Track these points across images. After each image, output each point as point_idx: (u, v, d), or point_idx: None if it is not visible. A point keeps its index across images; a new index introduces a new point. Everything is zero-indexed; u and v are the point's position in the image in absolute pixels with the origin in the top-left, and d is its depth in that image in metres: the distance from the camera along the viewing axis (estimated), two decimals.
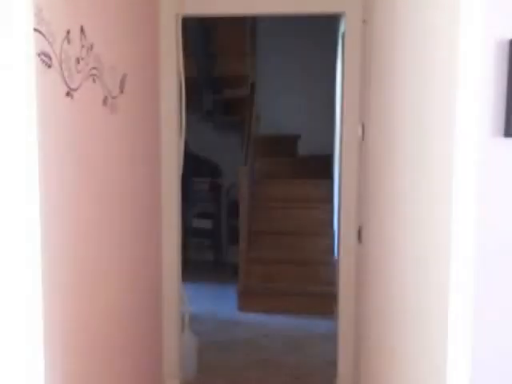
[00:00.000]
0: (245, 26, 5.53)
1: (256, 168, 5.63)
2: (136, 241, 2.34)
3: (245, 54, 5.64)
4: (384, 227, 1.83)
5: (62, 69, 1.47)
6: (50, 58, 1.40)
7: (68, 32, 1.51)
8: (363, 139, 2.58)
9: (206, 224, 5.90)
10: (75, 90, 1.58)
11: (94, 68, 1.73)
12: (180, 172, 2.99)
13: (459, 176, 0.97)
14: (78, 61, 1.59)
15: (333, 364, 3.23)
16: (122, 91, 2.06)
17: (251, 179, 5.18)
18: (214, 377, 3.30)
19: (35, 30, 1.28)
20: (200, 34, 5.06)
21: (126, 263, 2.16)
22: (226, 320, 4.31)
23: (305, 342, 3.88)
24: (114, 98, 1.96)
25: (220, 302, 4.70)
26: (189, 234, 5.69)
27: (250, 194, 5.10)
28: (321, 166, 5.68)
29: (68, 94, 1.53)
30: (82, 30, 1.62)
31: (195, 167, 5.75)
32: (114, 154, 1.99)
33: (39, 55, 1.33)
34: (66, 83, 1.51)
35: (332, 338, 3.54)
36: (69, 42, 1.52)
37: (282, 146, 6.06)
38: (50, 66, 1.40)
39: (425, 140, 1.23)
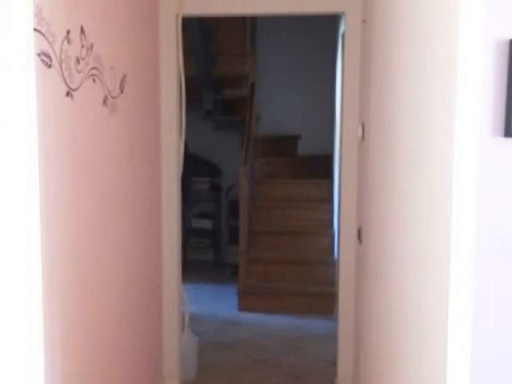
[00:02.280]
0: (245, 26, 5.53)
1: (256, 168, 5.63)
2: (136, 241, 2.34)
3: (245, 54, 5.64)
4: (384, 227, 1.83)
5: (62, 69, 1.47)
6: (50, 58, 1.40)
7: (68, 32, 1.51)
8: (363, 139, 2.58)
9: (205, 224, 5.90)
10: (75, 90, 1.58)
11: (93, 68, 1.73)
12: (180, 172, 2.99)
13: (459, 176, 0.97)
14: (77, 61, 1.59)
15: (333, 364, 3.23)
16: (122, 91, 2.06)
17: (251, 179, 5.18)
18: (214, 377, 3.30)
19: (35, 30, 1.28)
20: (200, 34, 5.06)
21: (125, 263, 2.15)
22: (226, 320, 4.31)
23: (305, 341, 3.88)
24: (114, 98, 1.96)
25: (220, 302, 4.69)
26: (189, 234, 5.70)
27: (250, 194, 5.10)
28: (321, 166, 5.68)
29: (68, 93, 1.53)
30: (82, 30, 1.62)
31: (195, 167, 5.75)
32: (114, 153, 1.99)
33: (39, 55, 1.33)
34: (66, 83, 1.51)
35: (332, 338, 3.54)
36: (69, 42, 1.52)
37: (282, 146, 6.06)
38: (50, 66, 1.40)
39: (425, 140, 1.23)
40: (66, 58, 1.49)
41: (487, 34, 0.95)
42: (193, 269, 5.33)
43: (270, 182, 5.51)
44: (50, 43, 1.39)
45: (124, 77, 2.10)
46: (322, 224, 5.10)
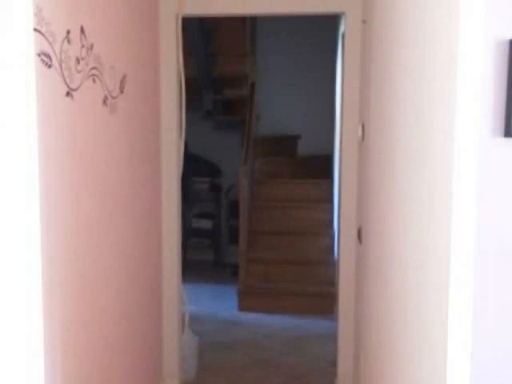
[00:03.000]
0: (245, 26, 5.53)
1: (256, 168, 5.62)
2: (136, 241, 2.34)
3: (245, 54, 5.64)
4: (384, 227, 1.83)
5: (62, 69, 1.47)
6: (50, 58, 1.40)
7: (68, 32, 1.51)
8: (363, 139, 2.58)
9: (205, 224, 5.90)
10: (75, 90, 1.58)
11: (94, 68, 1.73)
12: (180, 172, 2.99)
13: (459, 176, 0.97)
14: (77, 61, 1.59)
15: (333, 364, 3.23)
16: (122, 91, 2.06)
17: (251, 179, 5.18)
18: (214, 377, 3.30)
19: (35, 30, 1.28)
20: (200, 34, 5.06)
21: (126, 263, 2.16)
22: (226, 320, 4.31)
23: (305, 341, 3.88)
24: (114, 98, 1.96)
25: (220, 302, 4.70)
26: (189, 234, 5.69)
27: (250, 194, 5.10)
28: (321, 166, 5.68)
29: (68, 93, 1.53)
30: (82, 30, 1.62)
31: (195, 167, 5.75)
32: (114, 153, 1.99)
33: (39, 55, 1.33)
34: (66, 83, 1.51)
35: (332, 338, 3.54)
36: (69, 41, 1.52)
37: (282, 146, 6.06)
38: (50, 66, 1.40)
39: (425, 140, 1.24)
40: (66, 58, 1.49)
41: (487, 34, 0.95)
42: (193, 269, 5.33)
43: (269, 182, 5.51)
44: (49, 43, 1.39)
45: (124, 77, 2.10)
46: (322, 224, 5.10)
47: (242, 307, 4.51)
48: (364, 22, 2.67)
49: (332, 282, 4.45)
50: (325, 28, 5.49)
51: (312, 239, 4.94)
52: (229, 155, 5.96)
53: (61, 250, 1.49)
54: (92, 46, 1.71)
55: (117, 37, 2.02)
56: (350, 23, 2.82)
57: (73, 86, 1.56)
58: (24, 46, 1.16)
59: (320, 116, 5.89)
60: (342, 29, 3.52)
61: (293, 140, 6.08)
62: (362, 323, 2.53)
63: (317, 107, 5.96)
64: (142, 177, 2.45)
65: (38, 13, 1.31)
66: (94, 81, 1.74)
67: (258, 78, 5.85)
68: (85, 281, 1.68)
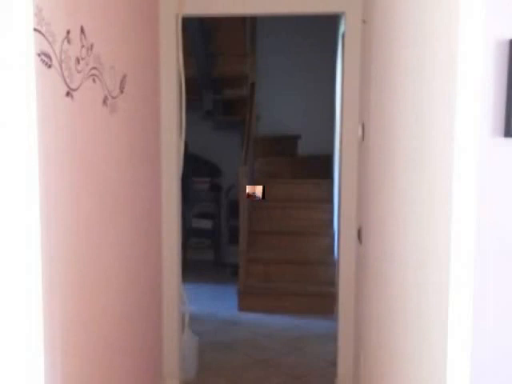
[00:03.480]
0: (245, 26, 5.53)
1: (256, 168, 5.62)
2: (136, 241, 2.34)
3: (245, 54, 5.64)
4: (384, 227, 1.83)
5: (62, 69, 1.47)
6: (50, 58, 1.40)
7: (68, 32, 1.51)
8: (363, 139, 2.58)
9: (205, 224, 5.90)
10: (75, 90, 1.58)
11: (94, 68, 1.73)
12: (180, 172, 3.00)
13: (459, 176, 0.97)
14: (78, 61, 1.59)
15: (333, 364, 3.23)
16: (122, 91, 2.06)
17: (251, 179, 5.18)
18: (214, 377, 3.30)
19: (35, 30, 1.28)
20: (200, 34, 5.06)
21: (126, 263, 2.16)
22: (226, 320, 4.31)
23: (305, 341, 3.88)
24: (114, 98, 1.96)
25: (220, 302, 4.70)
26: (189, 234, 5.69)
27: None
28: (321, 166, 5.68)
29: (68, 93, 1.53)
30: (82, 30, 1.62)
31: (195, 167, 5.75)
32: (114, 153, 1.99)
33: (39, 55, 1.33)
34: (66, 83, 1.51)
35: (332, 338, 3.54)
36: (69, 41, 1.52)
37: (282, 146, 6.06)
38: (50, 66, 1.40)
39: (425, 140, 1.24)
40: (66, 58, 1.49)
41: (487, 34, 0.95)
42: (193, 269, 5.33)
43: (269, 182, 5.51)
44: (49, 43, 1.39)
45: (124, 77, 2.10)
46: (322, 224, 5.10)
47: (242, 307, 4.51)
48: (364, 21, 2.67)
49: (332, 282, 4.45)
50: (325, 28, 5.49)
51: (312, 239, 4.94)
52: (229, 155, 5.96)
53: (61, 250, 1.49)
54: (92, 46, 1.71)
55: (117, 37, 2.02)
56: (350, 23, 2.82)
57: (73, 85, 1.56)
58: (24, 46, 1.16)
59: (320, 116, 5.89)
60: (342, 29, 3.52)
61: (293, 140, 6.08)
62: (362, 323, 2.53)
63: (317, 107, 5.96)
64: (142, 177, 2.45)
65: (38, 13, 1.31)
66: (94, 81, 1.74)
67: (258, 77, 5.85)
68: (85, 281, 1.68)
